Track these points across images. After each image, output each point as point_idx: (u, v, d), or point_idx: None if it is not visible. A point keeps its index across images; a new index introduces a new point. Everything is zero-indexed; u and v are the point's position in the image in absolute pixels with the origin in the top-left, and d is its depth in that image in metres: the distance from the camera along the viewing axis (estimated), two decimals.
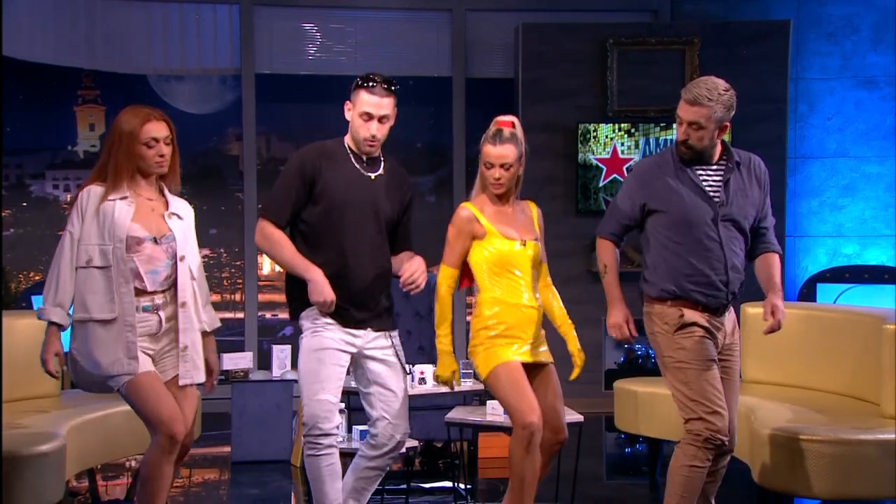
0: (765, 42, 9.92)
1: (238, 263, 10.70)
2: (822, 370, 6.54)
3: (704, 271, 4.90)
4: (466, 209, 5.05)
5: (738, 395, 5.13)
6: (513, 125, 4.99)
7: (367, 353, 5.02)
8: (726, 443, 4.91)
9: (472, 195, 5.13)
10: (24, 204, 10.55)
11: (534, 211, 5.16)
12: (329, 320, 4.96)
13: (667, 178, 4.98)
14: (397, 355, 5.09)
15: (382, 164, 5.09)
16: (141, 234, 4.67)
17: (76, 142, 10.62)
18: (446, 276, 5.07)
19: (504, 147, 4.92)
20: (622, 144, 9.73)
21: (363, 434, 5.84)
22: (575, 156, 9.82)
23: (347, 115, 5.02)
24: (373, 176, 5.04)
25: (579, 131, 9.79)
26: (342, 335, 4.98)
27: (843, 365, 6.39)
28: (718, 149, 4.98)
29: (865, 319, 6.29)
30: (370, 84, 4.92)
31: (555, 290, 5.19)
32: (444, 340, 5.07)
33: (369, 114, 4.92)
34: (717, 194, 4.93)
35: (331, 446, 4.99)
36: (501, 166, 4.93)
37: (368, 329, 5.02)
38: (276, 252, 4.97)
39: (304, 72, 10.54)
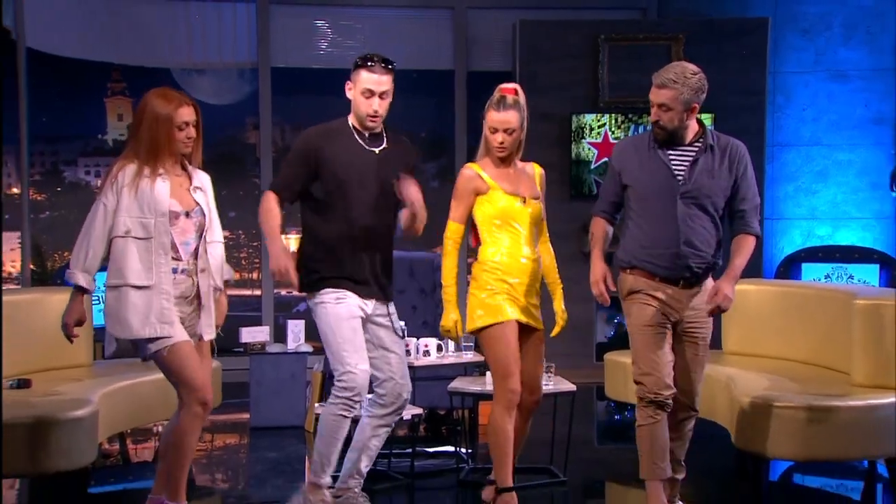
0: (745, 38, 9.91)
1: (255, 244, 10.73)
2: (797, 342, 6.55)
3: (658, 243, 4.88)
4: (469, 168, 5.10)
5: (703, 365, 5.02)
6: (516, 92, 5.01)
7: (374, 319, 5.09)
8: (661, 398, 4.89)
9: (477, 158, 5.15)
10: (59, 189, 10.60)
11: (537, 171, 5.17)
12: (348, 292, 5.02)
13: (639, 155, 4.96)
14: (394, 322, 5.15)
15: (385, 138, 5.11)
16: (177, 209, 4.71)
17: (106, 131, 10.68)
18: (452, 231, 5.11)
19: (507, 113, 4.94)
20: (612, 134, 9.76)
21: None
22: (569, 144, 9.84)
23: (349, 95, 5.04)
24: (377, 150, 5.06)
25: (573, 121, 9.82)
26: (358, 304, 5.03)
27: (816, 337, 6.40)
28: (694, 130, 4.91)
29: (837, 295, 6.29)
30: (370, 63, 4.94)
31: (551, 248, 5.20)
32: (448, 291, 5.09)
33: (371, 90, 4.94)
34: (681, 173, 4.87)
35: (354, 411, 5.07)
36: (504, 131, 4.96)
37: (374, 300, 5.08)
38: (263, 220, 5.03)
39: (316, 65, 10.55)
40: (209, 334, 4.88)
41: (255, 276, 10.75)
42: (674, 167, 4.89)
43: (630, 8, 10.71)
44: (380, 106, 4.98)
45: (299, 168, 5.03)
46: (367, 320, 5.09)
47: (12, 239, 9.95)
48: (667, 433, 4.97)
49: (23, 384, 5.87)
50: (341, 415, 5.01)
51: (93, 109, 10.68)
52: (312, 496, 5.13)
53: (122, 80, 10.56)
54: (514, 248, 5.02)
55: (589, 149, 9.82)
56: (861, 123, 10.45)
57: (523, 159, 5.20)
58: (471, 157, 5.30)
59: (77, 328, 4.75)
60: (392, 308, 5.18)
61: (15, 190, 10.06)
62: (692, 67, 4.87)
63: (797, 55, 10.50)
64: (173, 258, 4.71)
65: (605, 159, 9.58)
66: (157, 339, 4.64)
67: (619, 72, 9.77)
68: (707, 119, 9.64)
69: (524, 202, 5.02)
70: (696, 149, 4.90)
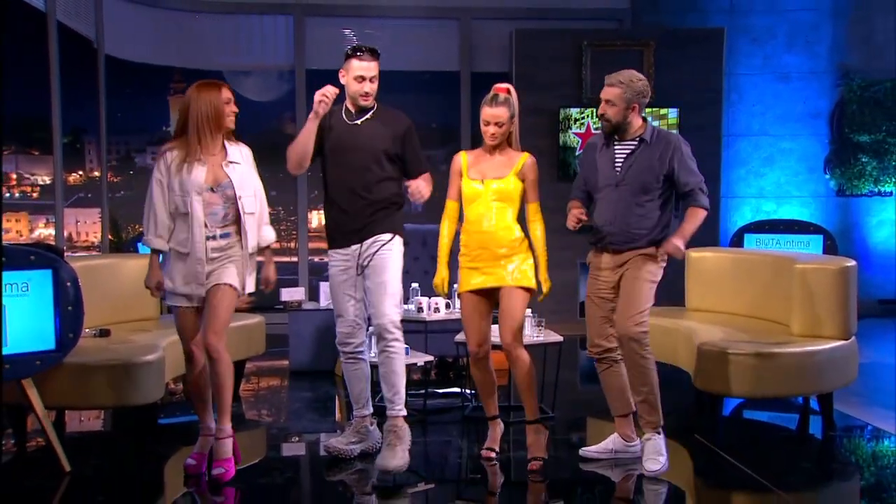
0: (704, 45, 9.90)
1: (293, 219, 10.74)
2: (747, 299, 6.55)
3: (599, 222, 4.95)
4: (457, 155, 5.04)
5: (630, 295, 4.87)
6: (508, 91, 4.89)
7: (360, 262, 4.96)
8: (592, 354, 5.11)
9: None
10: (131, 172, 10.65)
11: (522, 160, 4.93)
12: (336, 248, 4.99)
13: (596, 151, 4.99)
14: (375, 252, 4.94)
15: (372, 111, 4.98)
16: (203, 187, 4.68)
17: (169, 124, 10.72)
18: (446, 207, 5.05)
19: (497, 109, 4.83)
20: (594, 125, 9.78)
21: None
22: (557, 134, 9.87)
23: (342, 81, 4.97)
24: (359, 122, 4.96)
25: (560, 114, 9.85)
26: (340, 256, 4.98)
27: (762, 295, 6.40)
28: (639, 128, 4.89)
29: (780, 261, 6.28)
30: (359, 53, 4.91)
31: (540, 223, 5.01)
32: (441, 253, 5.05)
33: (362, 76, 4.90)
34: (619, 166, 4.89)
35: (352, 356, 5.07)
36: (495, 124, 4.84)
37: (353, 245, 4.95)
38: (295, 141, 4.95)
39: None
40: (233, 282, 4.75)
41: (292, 245, 10.78)
42: (616, 160, 4.90)
43: (609, 19, 10.70)
44: (370, 88, 4.92)
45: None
46: (359, 266, 4.96)
47: (94, 214, 10.03)
48: (617, 379, 5.06)
49: (103, 333, 5.91)
50: (342, 360, 5.13)
51: (158, 106, 10.71)
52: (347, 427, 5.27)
53: (182, 81, 10.58)
54: (477, 223, 4.90)
55: (574, 137, 9.84)
56: (801, 117, 10.46)
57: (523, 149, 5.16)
58: (474, 144, 5.27)
59: (158, 291, 4.75)
60: (385, 244, 4.95)
61: (96, 173, 10.13)
62: (639, 75, 4.88)
63: (748, 59, 10.50)
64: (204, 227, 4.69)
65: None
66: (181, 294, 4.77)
67: (599, 72, 9.61)
68: (673, 113, 9.67)
69: (482, 183, 4.89)
70: (635, 144, 4.89)
